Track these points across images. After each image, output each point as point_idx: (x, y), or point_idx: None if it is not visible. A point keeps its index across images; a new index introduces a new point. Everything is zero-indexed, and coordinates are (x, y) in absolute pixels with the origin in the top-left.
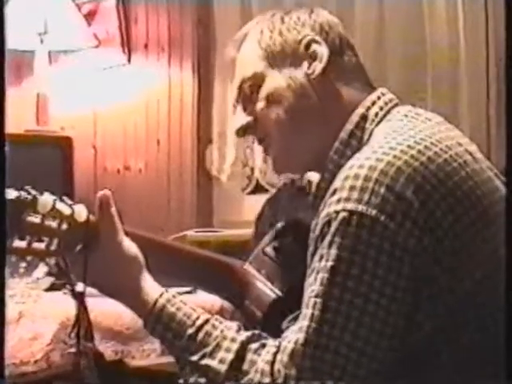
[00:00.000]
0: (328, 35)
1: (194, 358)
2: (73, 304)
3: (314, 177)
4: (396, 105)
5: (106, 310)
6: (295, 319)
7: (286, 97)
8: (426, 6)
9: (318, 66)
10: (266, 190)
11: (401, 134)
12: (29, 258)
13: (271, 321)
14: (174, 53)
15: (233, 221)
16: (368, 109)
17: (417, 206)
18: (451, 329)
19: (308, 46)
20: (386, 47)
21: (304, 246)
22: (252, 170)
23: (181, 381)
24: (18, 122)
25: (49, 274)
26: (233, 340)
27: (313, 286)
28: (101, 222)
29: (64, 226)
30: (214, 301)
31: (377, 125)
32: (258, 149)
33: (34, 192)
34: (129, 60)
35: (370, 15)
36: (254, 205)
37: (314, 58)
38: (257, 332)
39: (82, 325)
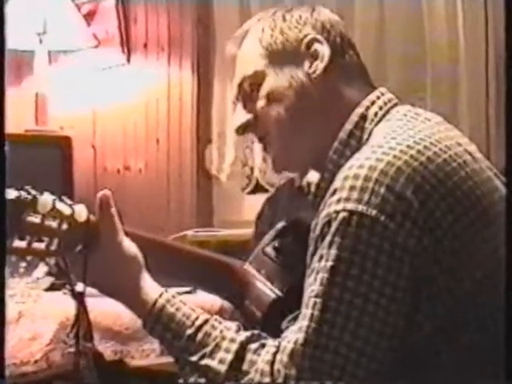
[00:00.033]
0: (329, 34)
1: (194, 358)
2: (72, 304)
3: (313, 177)
4: (395, 104)
5: (106, 310)
6: (295, 319)
7: (286, 95)
8: (425, 4)
9: (319, 66)
10: (266, 190)
11: (400, 134)
12: (29, 257)
13: (271, 321)
14: (173, 52)
15: (233, 220)
16: (367, 108)
17: (416, 206)
18: (451, 329)
19: (309, 44)
20: (385, 46)
21: (304, 245)
22: (252, 169)
23: (180, 381)
24: (18, 121)
25: (49, 273)
26: (232, 340)
27: (312, 286)
28: (101, 222)
29: (64, 226)
30: (214, 301)
31: (376, 124)
32: (258, 148)
33: (33, 192)
34: (128, 60)
35: (370, 15)
36: (253, 204)
37: (315, 57)
38: (256, 332)
39: (82, 325)
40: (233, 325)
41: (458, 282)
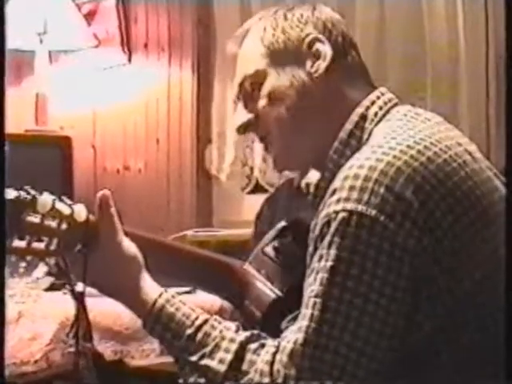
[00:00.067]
0: (331, 33)
1: (193, 358)
2: (72, 304)
3: (312, 177)
4: (395, 104)
5: (105, 310)
6: (294, 319)
7: (288, 95)
8: (425, 4)
9: (321, 65)
10: (266, 190)
11: (400, 134)
12: (28, 257)
13: (271, 321)
14: (173, 52)
15: (232, 220)
16: (367, 108)
17: (416, 206)
18: (451, 329)
19: (311, 44)
20: (385, 46)
21: (304, 245)
22: (251, 169)
23: (180, 381)
24: (18, 121)
25: (48, 273)
26: (232, 340)
27: (312, 286)
28: (100, 221)
29: (63, 226)
30: (214, 301)
31: (376, 124)
32: (258, 148)
33: (33, 192)
34: (129, 60)
35: (371, 14)
36: (253, 204)
37: (317, 56)
38: (256, 332)
39: (82, 325)
40: (232, 325)
41: (457, 282)
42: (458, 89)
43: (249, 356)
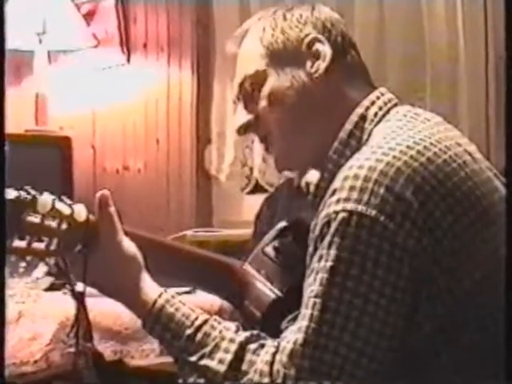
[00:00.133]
0: (330, 33)
1: (193, 358)
2: (72, 304)
3: (312, 177)
4: (395, 105)
5: (105, 309)
6: (294, 319)
7: (288, 96)
8: (424, 5)
9: (320, 65)
10: (266, 190)
11: (400, 135)
12: (28, 257)
13: (270, 321)
14: (173, 53)
15: (232, 221)
16: (367, 109)
17: (416, 206)
18: (451, 329)
19: (311, 44)
20: (385, 47)
21: (304, 246)
22: (251, 169)
23: (180, 381)
24: (18, 122)
25: (48, 273)
26: (231, 341)
27: (312, 286)
28: (100, 221)
29: (64, 226)
30: (214, 301)
31: (376, 125)
32: (257, 148)
33: (33, 192)
34: (128, 60)
35: (370, 15)
36: (253, 205)
37: (316, 57)
38: (256, 332)
39: (82, 325)
40: (232, 325)
41: (457, 282)
42: (458, 89)
43: (248, 356)
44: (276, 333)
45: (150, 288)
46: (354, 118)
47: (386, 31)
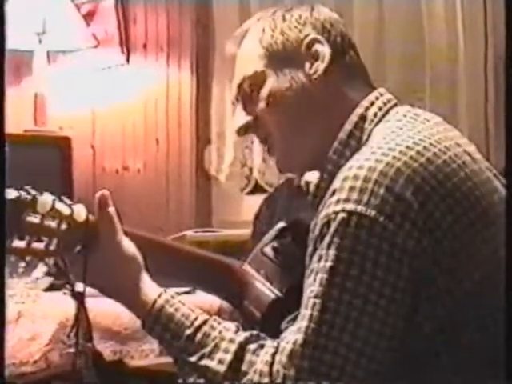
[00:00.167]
0: (330, 34)
1: (193, 358)
2: (72, 304)
3: (311, 177)
4: (395, 105)
5: (105, 310)
6: (294, 320)
7: (287, 97)
8: (424, 5)
9: (320, 66)
10: (265, 190)
11: (399, 135)
12: (28, 258)
13: (270, 321)
14: (172, 53)
15: (232, 221)
16: (367, 109)
17: (416, 206)
18: (451, 329)
19: (310, 45)
20: (384, 47)
21: (303, 246)
22: (251, 170)
23: (180, 381)
24: (17, 122)
25: (48, 274)
26: (231, 341)
27: (312, 286)
28: (100, 221)
29: (63, 226)
30: (213, 301)
31: (375, 125)
32: (257, 149)
33: (33, 192)
34: (127, 60)
35: (369, 15)
36: (252, 205)
37: (316, 57)
38: (255, 333)
39: (82, 325)
40: (232, 325)
41: (457, 282)
42: (457, 89)
43: (248, 356)
44: (276, 333)
45: (150, 288)
46: (353, 118)
47: (385, 31)
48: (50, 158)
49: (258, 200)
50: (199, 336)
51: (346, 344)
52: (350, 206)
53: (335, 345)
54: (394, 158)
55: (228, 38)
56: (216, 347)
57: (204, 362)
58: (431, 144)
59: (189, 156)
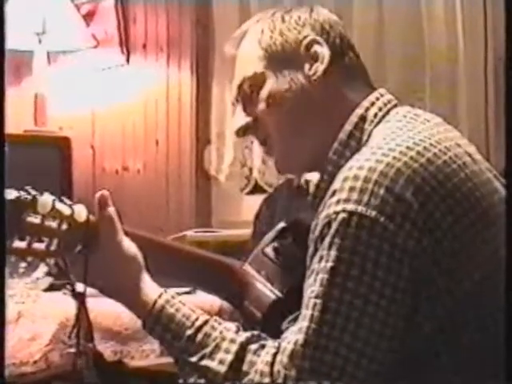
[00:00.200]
0: (329, 35)
1: (194, 359)
2: (72, 304)
3: (312, 176)
4: (395, 106)
5: (105, 310)
6: (295, 320)
7: (286, 98)
8: (424, 6)
9: (319, 68)
10: (265, 190)
11: (400, 136)
12: (29, 258)
13: (271, 322)
14: (172, 53)
15: (231, 221)
16: (367, 110)
17: (416, 207)
18: (451, 330)
19: (309, 46)
20: (384, 48)
21: (303, 246)
22: (250, 170)
23: (180, 381)
24: (17, 122)
25: (48, 274)
26: (232, 341)
27: (312, 286)
28: (100, 222)
29: (64, 227)
30: (213, 301)
31: (376, 126)
32: (257, 149)
33: (33, 192)
34: (127, 60)
35: (369, 16)
36: (252, 205)
37: (315, 59)
38: (256, 333)
39: (82, 325)
40: (233, 325)
41: (457, 283)
42: (457, 90)
43: (249, 357)
44: (276, 333)
45: (150, 288)
46: (353, 118)
47: (385, 33)
48: (50, 158)
49: (257, 200)
50: (200, 336)
51: (346, 344)
52: (350, 207)
53: (336, 345)
54: (395, 158)
55: (228, 38)
56: (217, 347)
57: (205, 363)
58: (431, 144)
59: (189, 156)
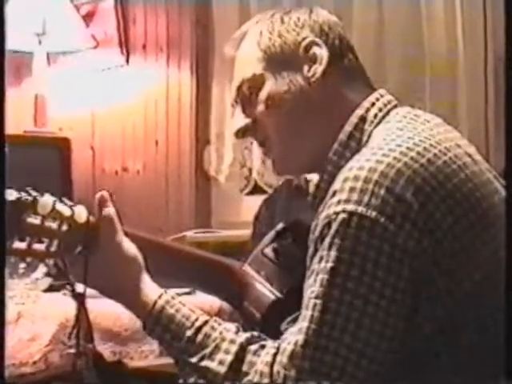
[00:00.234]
0: (328, 36)
1: (193, 359)
2: (72, 305)
3: (312, 175)
4: (395, 106)
5: (105, 310)
6: (294, 321)
7: (286, 100)
8: (424, 7)
9: (318, 69)
10: (264, 191)
11: (400, 136)
12: (29, 259)
13: (270, 322)
14: (172, 53)
15: (231, 221)
16: (367, 110)
17: (416, 207)
18: (451, 330)
19: (308, 48)
20: (384, 49)
21: (303, 247)
22: (250, 170)
23: (180, 382)
24: (17, 123)
25: (48, 274)
26: (232, 341)
27: (312, 287)
28: (100, 222)
29: (64, 227)
30: (213, 302)
31: (376, 126)
32: (256, 150)
33: (34, 193)
34: (127, 61)
35: (369, 17)
36: (252, 206)
37: (314, 60)
38: (256, 333)
39: (82, 326)
40: (232, 326)
41: (457, 283)
42: (457, 91)
43: (249, 357)
44: (276, 334)
45: (150, 289)
46: (353, 119)
47: (384, 33)
48: (50, 159)
49: (257, 201)
50: (200, 337)
51: (346, 345)
52: (350, 207)
53: (336, 345)
54: (395, 158)
55: (228, 39)
56: (216, 348)
57: (204, 363)
58: (431, 145)
59: (188, 157)
